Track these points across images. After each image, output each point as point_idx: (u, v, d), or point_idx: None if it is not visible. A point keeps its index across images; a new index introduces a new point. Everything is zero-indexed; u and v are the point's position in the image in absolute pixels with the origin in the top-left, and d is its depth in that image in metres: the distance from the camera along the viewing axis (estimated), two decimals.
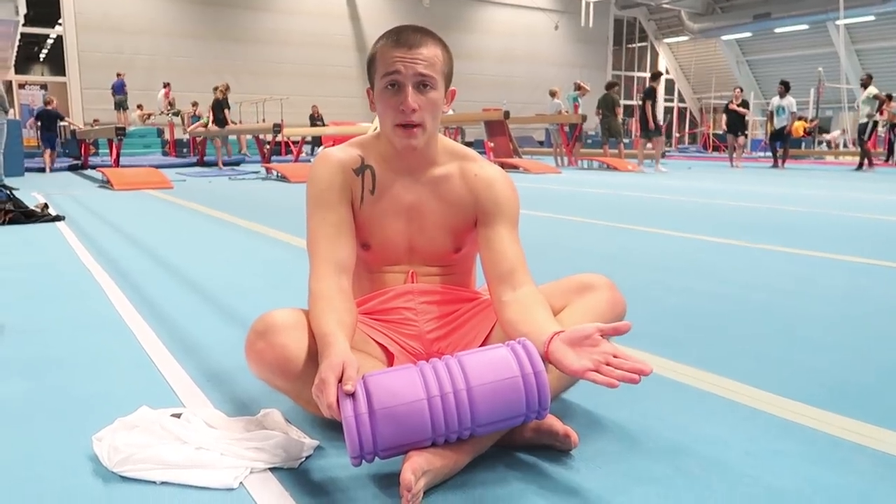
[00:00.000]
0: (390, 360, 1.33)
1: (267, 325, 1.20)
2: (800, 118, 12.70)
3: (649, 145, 11.62)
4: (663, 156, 14.41)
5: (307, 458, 1.19)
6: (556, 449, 1.20)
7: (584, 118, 11.85)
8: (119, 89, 15.82)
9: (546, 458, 1.19)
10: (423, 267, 1.42)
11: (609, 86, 11.79)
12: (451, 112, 11.84)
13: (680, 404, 1.46)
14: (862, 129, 11.50)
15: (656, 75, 11.40)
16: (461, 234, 1.40)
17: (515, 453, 1.20)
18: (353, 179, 1.37)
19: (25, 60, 19.20)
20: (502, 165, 11.10)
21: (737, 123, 12.02)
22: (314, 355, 1.18)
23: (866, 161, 11.55)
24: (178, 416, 1.27)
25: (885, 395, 1.50)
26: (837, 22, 17.83)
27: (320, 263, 1.29)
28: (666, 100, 30.29)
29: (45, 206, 4.82)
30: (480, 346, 1.32)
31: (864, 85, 11.54)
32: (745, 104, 12.05)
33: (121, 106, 15.82)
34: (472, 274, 1.53)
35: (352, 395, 1.05)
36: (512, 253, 1.33)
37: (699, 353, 1.80)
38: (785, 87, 11.71)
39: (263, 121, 16.64)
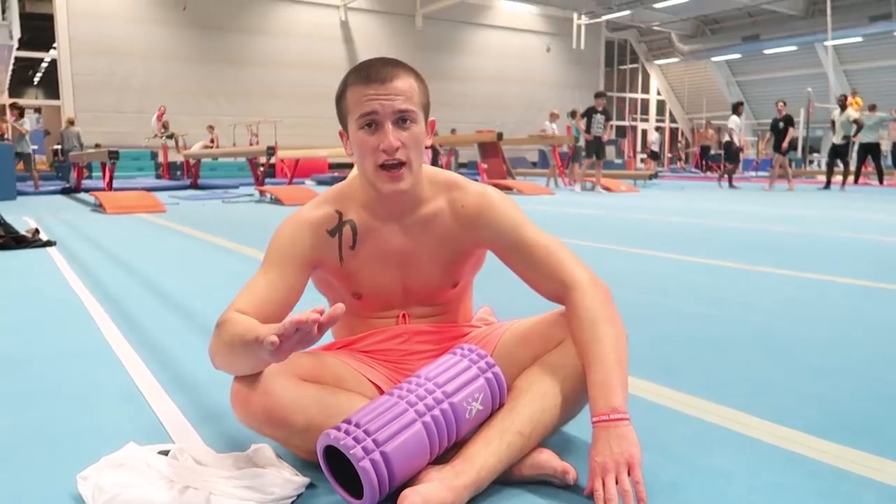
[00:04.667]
0: None
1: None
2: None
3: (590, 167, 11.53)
4: (655, 177, 14.55)
5: (298, 496, 1.15)
6: (555, 485, 1.17)
7: (576, 140, 11.91)
8: None
9: (545, 495, 1.16)
10: (419, 308, 1.37)
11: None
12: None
13: (678, 434, 1.43)
14: (843, 150, 11.58)
15: (599, 94, 11.17)
16: (457, 267, 1.36)
17: (514, 490, 1.17)
18: (325, 243, 1.29)
19: (19, 84, 19.24)
20: (496, 187, 11.15)
21: (779, 142, 11.39)
22: (303, 402, 1.15)
23: (847, 180, 11.73)
24: (165, 452, 1.23)
25: (890, 424, 1.48)
26: (825, 43, 18.08)
27: (231, 307, 1.21)
28: (657, 120, 30.58)
29: (36, 231, 4.77)
30: None
31: (842, 105, 11.67)
32: (787, 120, 11.30)
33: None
34: (468, 304, 1.50)
35: (354, 438, 1.04)
36: (544, 269, 1.27)
37: (697, 380, 1.77)
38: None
39: (257, 143, 16.67)
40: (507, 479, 1.17)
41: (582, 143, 11.41)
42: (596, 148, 11.01)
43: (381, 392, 1.28)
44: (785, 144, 11.34)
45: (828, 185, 11.69)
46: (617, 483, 1.06)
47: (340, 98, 1.24)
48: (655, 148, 20.85)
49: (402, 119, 1.20)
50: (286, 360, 1.16)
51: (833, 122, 11.93)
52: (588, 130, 10.97)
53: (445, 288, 1.37)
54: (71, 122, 14.14)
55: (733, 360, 1.98)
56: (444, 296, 1.38)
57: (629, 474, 1.07)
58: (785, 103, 11.67)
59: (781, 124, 11.35)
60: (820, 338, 2.22)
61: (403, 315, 1.37)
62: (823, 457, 1.30)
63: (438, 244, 1.32)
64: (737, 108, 12.07)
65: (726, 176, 12.52)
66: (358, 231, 1.30)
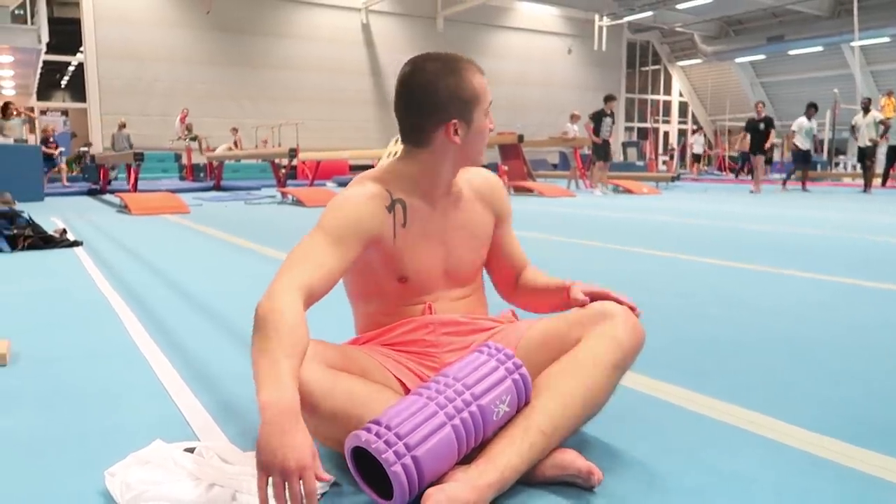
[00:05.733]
0: (408, 393, 1.30)
1: None
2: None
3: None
4: (677, 179, 14.43)
5: (323, 494, 1.16)
6: (580, 486, 1.17)
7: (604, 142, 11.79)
8: None
9: (570, 497, 1.15)
10: (454, 290, 1.42)
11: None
12: None
13: (704, 438, 1.41)
14: (869, 152, 11.41)
15: (609, 97, 11.18)
16: (485, 244, 1.49)
17: (539, 491, 1.17)
18: (385, 218, 1.31)
19: (47, 87, 19.58)
20: (517, 189, 11.15)
21: (759, 143, 11.42)
22: (331, 390, 1.15)
23: (872, 182, 11.53)
24: (191, 450, 1.25)
25: None
26: (852, 44, 17.79)
27: (293, 277, 1.18)
28: (680, 122, 30.33)
29: (64, 231, 4.86)
30: None
31: (865, 108, 11.49)
32: (768, 122, 11.38)
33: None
34: (484, 296, 1.52)
35: (386, 441, 1.04)
36: (517, 250, 1.57)
37: (722, 384, 1.75)
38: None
39: (279, 145, 16.80)
40: (529, 480, 1.17)
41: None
42: (604, 151, 11.01)
43: (406, 388, 1.29)
44: (767, 145, 11.37)
45: (867, 187, 11.44)
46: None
47: (462, 91, 1.30)
48: (697, 149, 20.36)
49: None
50: (315, 349, 1.18)
51: (853, 127, 11.73)
52: (597, 134, 10.92)
53: (477, 267, 1.48)
54: (122, 126, 14.98)
55: (757, 363, 1.95)
56: (474, 276, 1.48)
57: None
58: (763, 104, 11.84)
59: (762, 126, 11.36)
60: (845, 342, 2.19)
61: (429, 305, 1.39)
62: (851, 462, 1.29)
63: (469, 220, 1.44)
64: (808, 111, 11.56)
65: (802, 181, 12.15)
66: (407, 210, 1.35)
